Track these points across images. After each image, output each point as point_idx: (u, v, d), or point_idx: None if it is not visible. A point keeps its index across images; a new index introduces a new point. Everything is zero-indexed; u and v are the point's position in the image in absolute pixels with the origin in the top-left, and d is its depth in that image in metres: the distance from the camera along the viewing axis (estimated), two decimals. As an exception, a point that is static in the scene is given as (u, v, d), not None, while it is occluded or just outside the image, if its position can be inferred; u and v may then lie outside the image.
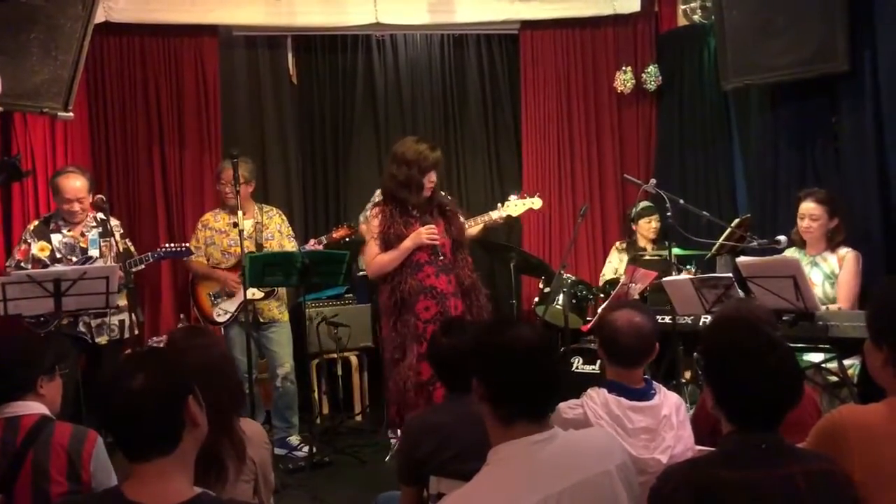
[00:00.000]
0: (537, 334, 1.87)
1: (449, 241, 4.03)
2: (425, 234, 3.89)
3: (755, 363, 1.76)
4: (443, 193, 4.29)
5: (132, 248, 4.76)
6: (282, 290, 5.08)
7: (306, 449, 4.81)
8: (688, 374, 4.46)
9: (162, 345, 3.99)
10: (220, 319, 4.99)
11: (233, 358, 2.49)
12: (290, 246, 5.03)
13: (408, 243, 3.90)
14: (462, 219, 4.28)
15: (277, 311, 5.07)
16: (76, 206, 4.51)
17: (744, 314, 2.82)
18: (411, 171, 3.99)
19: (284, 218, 5.21)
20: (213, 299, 5.02)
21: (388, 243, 3.95)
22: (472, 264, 4.10)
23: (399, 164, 4.02)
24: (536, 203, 5.33)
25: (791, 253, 4.26)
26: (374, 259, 4.00)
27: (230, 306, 4.97)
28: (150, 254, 4.69)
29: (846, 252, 4.18)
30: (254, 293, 4.87)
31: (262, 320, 5.01)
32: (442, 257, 3.91)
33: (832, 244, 4.22)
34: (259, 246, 4.96)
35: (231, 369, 2.36)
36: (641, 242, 5.56)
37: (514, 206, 5.24)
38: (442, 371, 2.62)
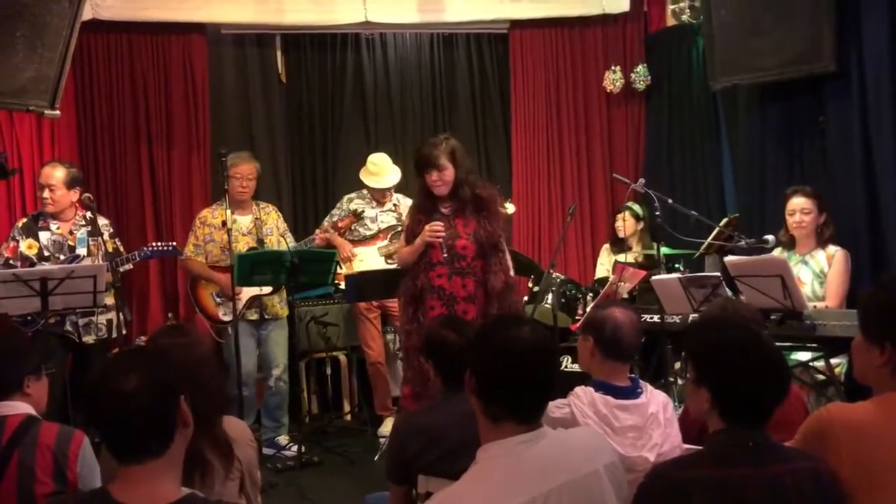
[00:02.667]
0: (537, 336, 1.83)
1: (473, 246, 3.93)
2: (428, 231, 3.90)
3: (752, 361, 1.76)
4: (493, 189, 4.17)
5: (121, 248, 4.72)
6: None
7: (294, 448, 4.79)
8: (676, 373, 4.47)
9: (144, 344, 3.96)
10: (227, 318, 4.92)
11: (214, 357, 2.47)
12: (288, 240, 5.07)
13: (418, 241, 3.94)
14: (500, 220, 4.10)
15: (280, 306, 5.07)
16: (46, 193, 4.45)
17: (730, 313, 2.84)
18: (418, 175, 4.05)
19: (280, 214, 5.25)
20: (216, 298, 4.97)
21: (409, 240, 4.05)
22: (507, 267, 3.98)
23: None
24: (509, 208, 5.35)
25: (779, 254, 4.27)
26: (399, 251, 4.16)
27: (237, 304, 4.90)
28: (136, 252, 4.66)
29: (835, 250, 4.21)
30: (261, 288, 4.86)
31: (266, 316, 5.01)
32: (445, 254, 3.89)
33: (822, 240, 4.25)
34: (261, 241, 4.98)
35: (214, 368, 2.35)
36: (627, 239, 5.57)
37: None
38: (445, 367, 2.61)
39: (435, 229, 3.88)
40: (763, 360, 1.77)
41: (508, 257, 4.06)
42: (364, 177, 5.41)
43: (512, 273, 4.07)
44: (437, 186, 3.95)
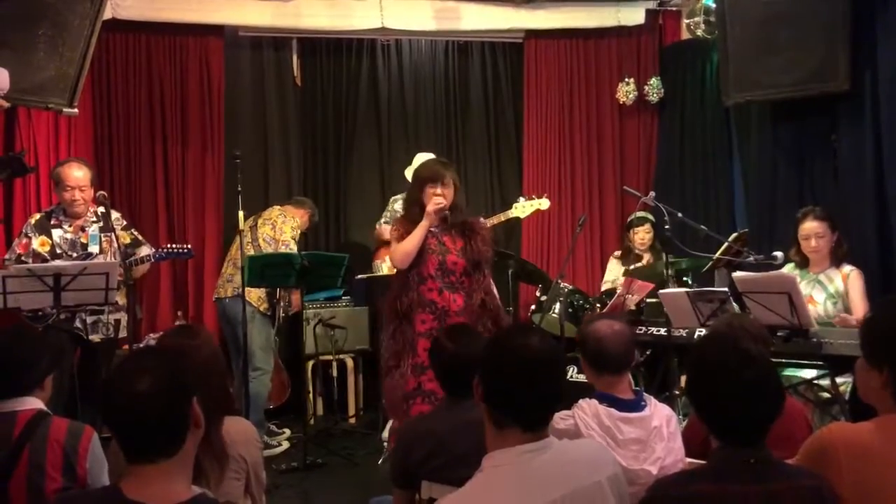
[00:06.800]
0: (545, 346, 1.84)
1: (463, 262, 3.94)
2: (432, 206, 3.87)
3: (731, 379, 1.77)
4: (482, 219, 4.27)
5: (139, 236, 4.70)
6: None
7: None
8: (681, 387, 4.48)
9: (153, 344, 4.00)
10: None
11: (222, 358, 2.49)
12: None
13: (424, 222, 3.87)
14: (487, 243, 4.11)
15: None
16: (77, 195, 4.46)
17: (735, 329, 2.85)
18: (413, 187, 4.03)
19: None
20: None
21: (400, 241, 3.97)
22: (489, 286, 3.97)
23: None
24: (544, 204, 5.37)
25: (791, 272, 4.25)
26: (395, 248, 3.96)
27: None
28: (150, 254, 4.67)
29: (850, 270, 4.15)
30: None
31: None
32: (441, 271, 3.89)
33: (836, 259, 4.22)
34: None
35: (220, 370, 2.36)
36: (638, 251, 5.58)
37: (522, 207, 5.27)
38: (443, 375, 2.63)
39: (439, 203, 3.86)
40: (745, 380, 1.76)
41: (491, 282, 4.03)
42: (409, 173, 5.41)
43: (496, 298, 4.02)
44: (433, 199, 3.96)
